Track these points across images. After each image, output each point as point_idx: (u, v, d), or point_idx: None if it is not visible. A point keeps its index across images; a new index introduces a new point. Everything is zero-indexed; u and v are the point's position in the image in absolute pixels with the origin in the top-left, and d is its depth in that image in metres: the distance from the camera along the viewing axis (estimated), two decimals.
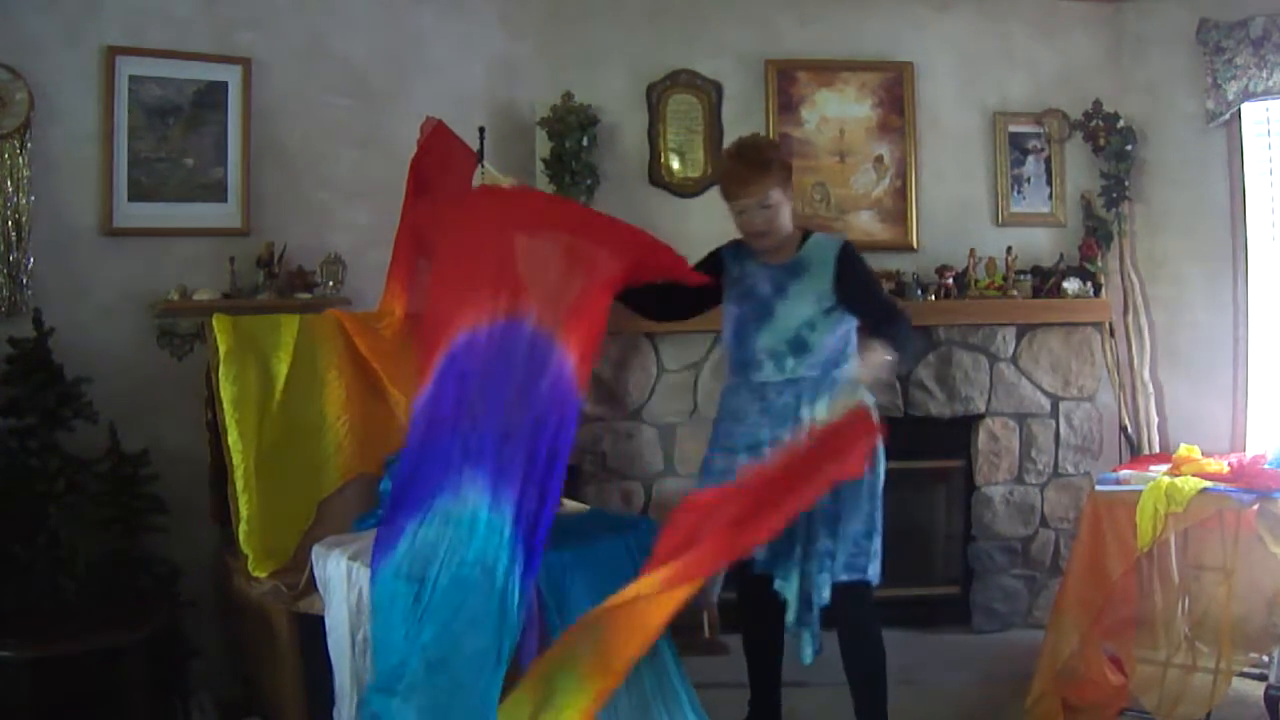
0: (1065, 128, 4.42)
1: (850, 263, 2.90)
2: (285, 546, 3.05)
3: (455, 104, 3.82)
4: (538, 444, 2.54)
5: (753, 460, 2.78)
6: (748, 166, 2.83)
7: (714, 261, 3.00)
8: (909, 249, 4.32)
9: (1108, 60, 4.46)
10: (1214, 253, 4.25)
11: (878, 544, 2.84)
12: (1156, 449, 4.25)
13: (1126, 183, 4.37)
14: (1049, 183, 4.45)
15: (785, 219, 2.88)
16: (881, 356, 2.73)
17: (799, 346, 2.84)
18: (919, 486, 4.36)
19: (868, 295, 2.93)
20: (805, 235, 2.95)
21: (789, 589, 2.81)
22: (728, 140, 4.24)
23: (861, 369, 2.79)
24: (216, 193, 3.64)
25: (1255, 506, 3.21)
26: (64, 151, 3.41)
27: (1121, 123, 4.36)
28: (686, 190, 4.27)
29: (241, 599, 3.07)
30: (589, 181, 4.07)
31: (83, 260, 3.44)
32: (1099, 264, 4.31)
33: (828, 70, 4.31)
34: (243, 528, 2.99)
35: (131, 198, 3.50)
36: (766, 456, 2.76)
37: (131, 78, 3.48)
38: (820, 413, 2.76)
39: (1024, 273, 4.27)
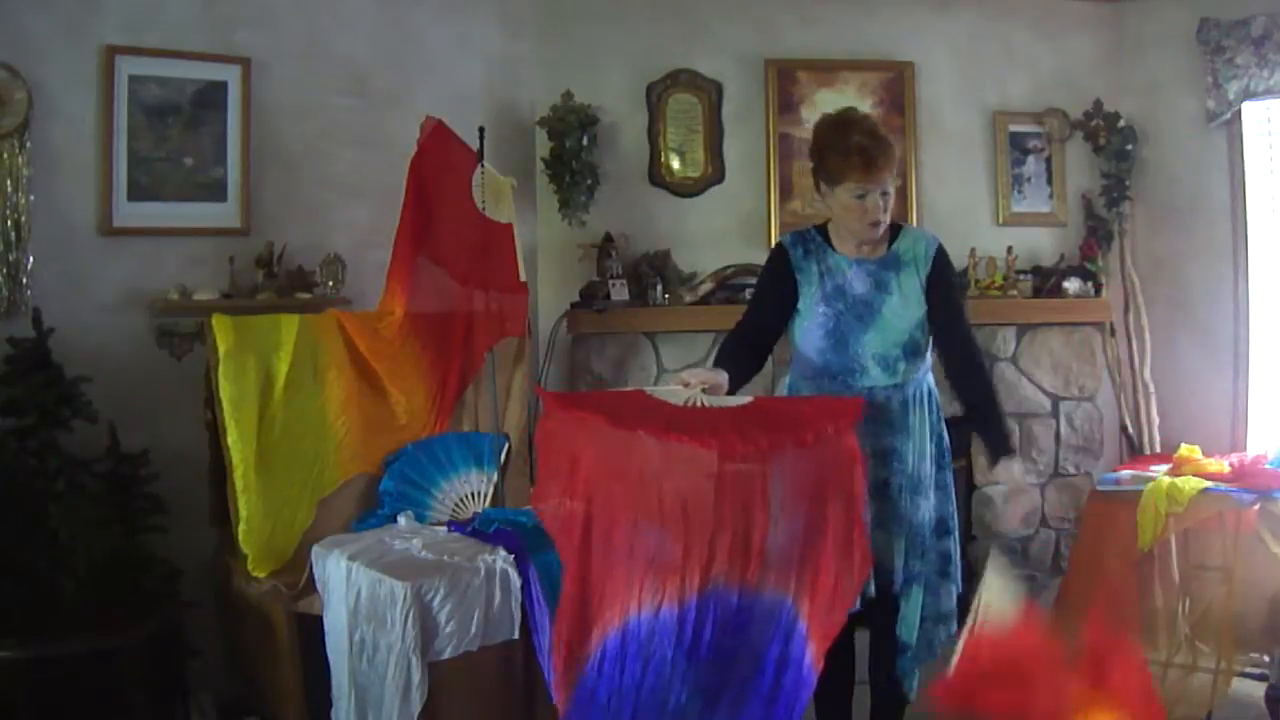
0: (1065, 127, 4.43)
1: (944, 267, 2.63)
2: (285, 546, 3.06)
3: (455, 104, 3.82)
4: None
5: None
6: (879, 145, 2.49)
7: (781, 270, 2.64)
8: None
9: (1108, 60, 4.47)
10: (1214, 253, 4.25)
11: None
12: (1157, 449, 4.25)
13: (1127, 182, 4.37)
14: (1049, 182, 4.45)
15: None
16: (1014, 469, 2.54)
17: (913, 349, 2.58)
18: None
19: (953, 313, 2.63)
20: (895, 227, 2.66)
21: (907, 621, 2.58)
22: (729, 140, 4.28)
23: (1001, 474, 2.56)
24: (216, 192, 3.63)
25: (1256, 506, 3.21)
26: (63, 151, 3.40)
27: (1122, 122, 4.36)
28: (686, 190, 4.27)
29: (241, 599, 3.06)
30: (589, 181, 4.07)
31: (82, 260, 3.43)
32: (1099, 264, 4.31)
33: (828, 70, 4.31)
34: (242, 528, 2.99)
35: (131, 197, 3.49)
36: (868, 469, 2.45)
37: (131, 77, 3.47)
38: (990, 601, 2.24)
39: (1024, 272, 4.27)
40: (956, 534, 2.66)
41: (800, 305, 2.62)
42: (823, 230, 2.69)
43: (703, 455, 2.09)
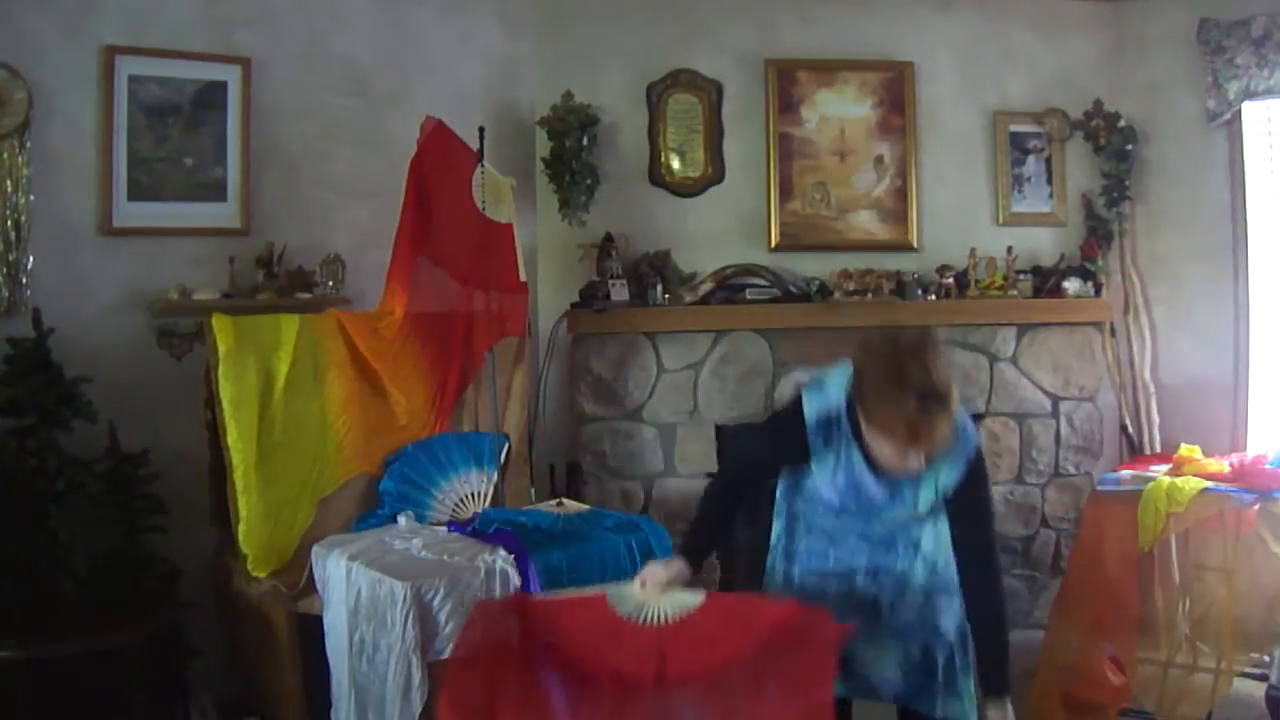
0: (1066, 127, 4.42)
1: (977, 478, 2.31)
2: (285, 546, 3.06)
3: (455, 104, 3.82)
4: None
5: (842, 588, 2.40)
6: (933, 419, 2.10)
7: (795, 445, 2.35)
8: (909, 248, 4.32)
9: (1108, 60, 4.46)
10: (1214, 253, 4.25)
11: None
12: (1157, 449, 4.25)
13: (1127, 182, 4.37)
14: (1049, 182, 4.45)
15: None
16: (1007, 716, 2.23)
17: (909, 529, 2.42)
18: None
19: (976, 520, 2.35)
20: None
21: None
22: (729, 140, 4.28)
23: None
24: (216, 192, 3.63)
25: (1256, 506, 3.20)
26: (63, 151, 3.41)
27: (1122, 122, 4.36)
28: (686, 190, 4.27)
29: (241, 599, 3.06)
30: (589, 181, 4.07)
31: (82, 260, 3.43)
32: (1100, 264, 4.31)
33: (828, 70, 4.31)
34: (242, 528, 2.99)
35: (131, 197, 3.49)
36: (859, 585, 2.39)
37: (131, 77, 3.48)
38: None
39: (1024, 272, 4.27)
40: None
41: (815, 468, 2.37)
42: (853, 408, 2.24)
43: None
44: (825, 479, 2.35)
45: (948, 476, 2.27)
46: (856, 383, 2.21)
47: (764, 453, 2.49)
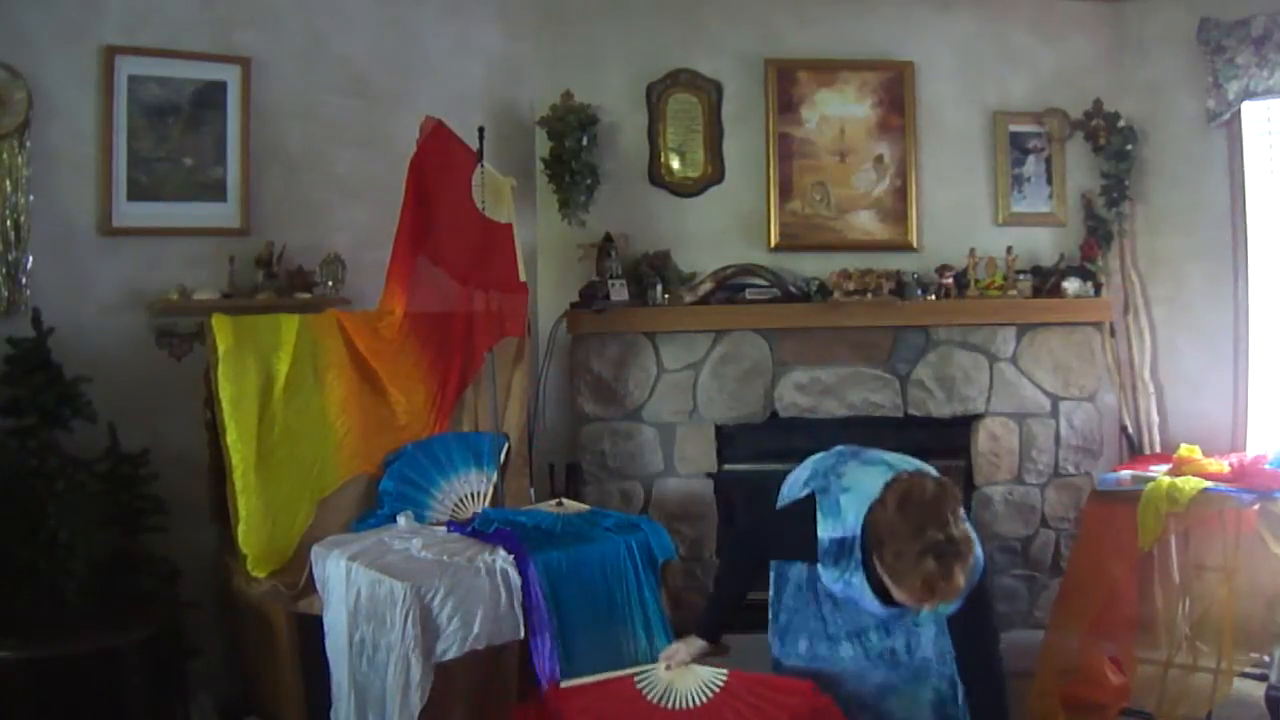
0: (1066, 127, 4.42)
1: (980, 602, 2.30)
2: (284, 546, 3.06)
3: (455, 104, 3.82)
4: None
5: (855, 647, 2.46)
6: (950, 578, 2.10)
7: (802, 552, 2.41)
8: (909, 248, 4.32)
9: (1108, 60, 4.46)
10: (1214, 253, 4.25)
11: None
12: (1157, 449, 4.25)
13: (1127, 182, 4.37)
14: (1049, 182, 4.45)
15: None
16: None
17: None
18: None
19: (980, 633, 2.37)
20: None
21: None
22: (729, 140, 4.28)
23: None
24: (216, 192, 3.63)
25: (1256, 506, 3.21)
26: (63, 151, 3.40)
27: (1122, 122, 4.36)
28: (686, 190, 4.27)
29: (241, 599, 3.06)
30: (589, 181, 4.07)
31: (82, 260, 3.43)
32: (1099, 264, 4.31)
33: (828, 70, 4.31)
34: (241, 528, 3.00)
35: (131, 197, 3.49)
36: (872, 641, 2.45)
37: (131, 77, 3.47)
38: None
39: (1024, 272, 4.27)
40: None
41: (819, 568, 2.43)
42: (868, 542, 2.24)
43: None
44: (829, 579, 2.40)
45: (947, 607, 2.25)
46: (873, 535, 2.20)
47: (774, 547, 2.56)
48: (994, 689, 2.34)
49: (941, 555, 2.08)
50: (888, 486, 2.22)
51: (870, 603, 2.31)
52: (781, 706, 2.36)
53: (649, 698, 2.46)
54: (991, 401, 4.24)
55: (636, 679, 2.50)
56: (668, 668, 2.52)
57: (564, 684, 2.51)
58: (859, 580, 2.29)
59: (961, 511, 2.18)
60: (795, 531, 2.38)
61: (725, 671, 2.50)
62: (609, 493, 4.05)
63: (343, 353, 3.30)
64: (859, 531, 2.25)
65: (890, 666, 2.46)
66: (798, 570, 2.57)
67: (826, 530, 2.30)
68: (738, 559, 2.67)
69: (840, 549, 2.29)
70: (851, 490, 2.32)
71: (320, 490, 3.19)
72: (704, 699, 2.44)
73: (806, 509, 2.36)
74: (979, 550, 2.25)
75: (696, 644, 2.55)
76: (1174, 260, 4.37)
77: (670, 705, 2.44)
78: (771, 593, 2.65)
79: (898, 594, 2.17)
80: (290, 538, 3.08)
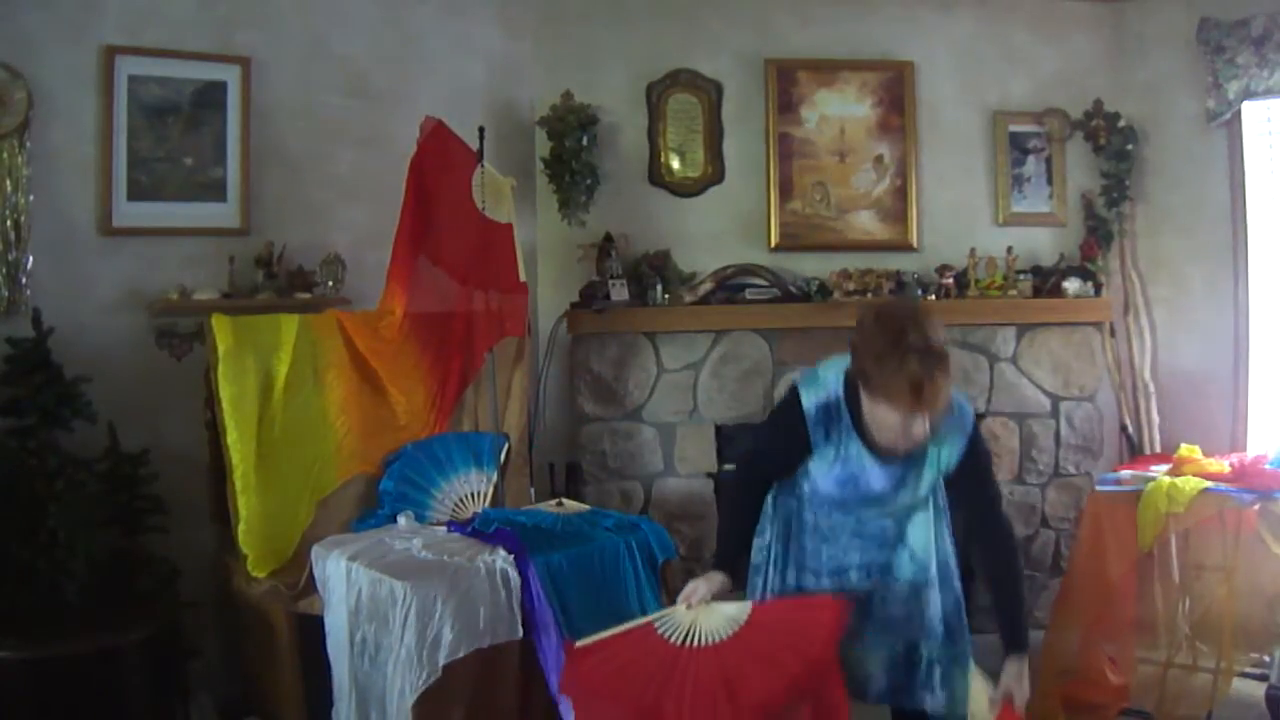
0: (1066, 127, 4.42)
1: (974, 455, 2.35)
2: (285, 546, 3.06)
3: (455, 103, 3.82)
4: None
5: (834, 587, 2.42)
6: (934, 371, 2.13)
7: (796, 439, 2.37)
8: (909, 248, 4.32)
9: (1108, 60, 4.46)
10: (1214, 253, 4.25)
11: None
12: (1157, 449, 4.25)
13: (1127, 182, 4.37)
14: (1049, 182, 4.45)
15: None
16: (1023, 688, 2.25)
17: (911, 510, 2.46)
18: None
19: (983, 492, 2.41)
20: None
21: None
22: (729, 140, 4.28)
23: (1003, 693, 2.26)
24: (216, 192, 3.63)
25: (1256, 506, 3.20)
26: (63, 151, 3.40)
27: (1122, 122, 4.36)
28: (686, 190, 4.27)
29: (241, 599, 3.06)
30: (589, 181, 4.07)
31: (82, 260, 3.43)
32: (1100, 264, 4.31)
33: (828, 70, 4.31)
34: (241, 527, 3.00)
35: (131, 197, 3.49)
36: (853, 582, 2.41)
37: (131, 77, 3.47)
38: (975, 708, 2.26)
39: (1024, 272, 4.27)
40: (962, 604, 2.52)
41: (814, 459, 2.39)
42: (852, 400, 2.30)
43: None
44: (824, 473, 2.37)
45: (950, 454, 2.31)
46: (856, 359, 2.24)
47: (769, 451, 2.50)
48: (1009, 544, 2.39)
49: (924, 357, 2.12)
50: (862, 316, 2.28)
51: (871, 470, 2.31)
52: (814, 624, 2.26)
53: (672, 641, 2.29)
54: (992, 401, 4.24)
55: (657, 624, 2.33)
56: (688, 607, 2.33)
57: (579, 643, 2.35)
58: (855, 447, 2.30)
59: (938, 323, 2.21)
60: (783, 421, 2.39)
61: (749, 604, 2.36)
62: (609, 493, 4.05)
63: (343, 353, 3.29)
64: (841, 391, 2.30)
65: (860, 615, 2.39)
66: (786, 505, 2.52)
67: (810, 399, 2.33)
68: (741, 480, 2.58)
69: (828, 415, 2.31)
70: (828, 363, 2.38)
71: (320, 490, 3.19)
72: (729, 634, 2.28)
73: (791, 397, 2.39)
74: (965, 400, 2.33)
75: (716, 579, 2.37)
76: (1174, 260, 4.37)
77: (695, 644, 2.28)
78: (755, 544, 2.57)
79: (887, 416, 2.18)
80: (290, 538, 3.08)
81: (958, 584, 2.49)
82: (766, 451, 2.52)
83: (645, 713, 2.17)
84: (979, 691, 2.30)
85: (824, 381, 2.34)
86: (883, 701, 2.46)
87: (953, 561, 2.50)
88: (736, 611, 2.32)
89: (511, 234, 3.70)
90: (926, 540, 2.45)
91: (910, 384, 2.11)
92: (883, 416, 2.20)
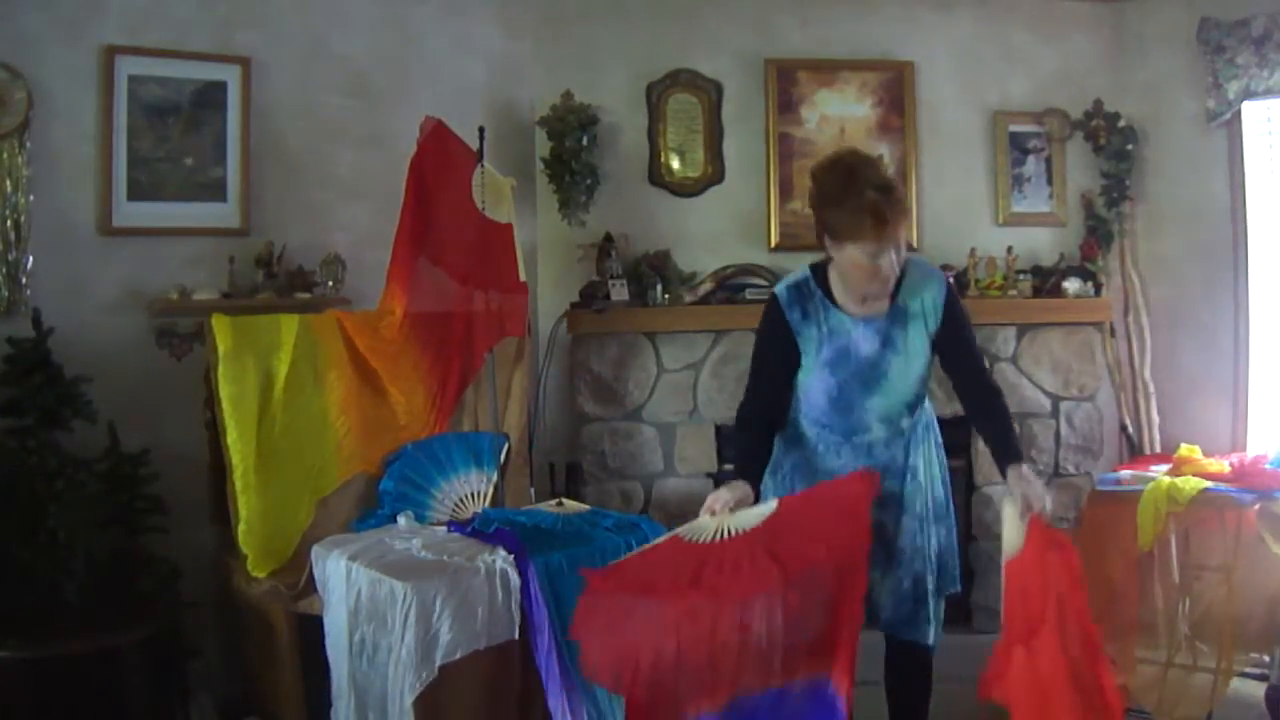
0: (1066, 127, 4.42)
1: (955, 310, 2.49)
2: (284, 546, 3.06)
3: (455, 103, 3.82)
4: None
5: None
6: (891, 200, 2.30)
7: (780, 333, 2.50)
8: (909, 248, 4.31)
9: (1108, 60, 4.46)
10: (1214, 253, 4.25)
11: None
12: (1157, 449, 4.25)
13: (1127, 182, 4.37)
14: (1049, 182, 4.45)
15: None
16: (1034, 486, 2.28)
17: (916, 403, 2.54)
18: None
19: (970, 350, 2.55)
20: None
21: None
22: (729, 140, 4.28)
23: (1023, 501, 2.28)
24: (216, 192, 3.63)
25: (1256, 506, 3.21)
26: (63, 151, 3.40)
27: (1122, 122, 4.36)
28: (686, 190, 4.27)
29: (241, 599, 3.07)
30: (589, 181, 4.07)
31: (82, 260, 3.43)
32: (1100, 264, 4.31)
33: (828, 70, 4.31)
34: (241, 527, 3.00)
35: (131, 197, 3.49)
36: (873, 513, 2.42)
37: (131, 77, 3.47)
38: (1009, 546, 2.30)
39: (1024, 272, 4.27)
40: (955, 533, 2.64)
41: (803, 363, 2.51)
42: (822, 279, 2.49)
43: (726, 612, 2.14)
44: (813, 366, 2.48)
45: (929, 305, 2.45)
46: (817, 211, 2.41)
47: (761, 368, 2.58)
48: (997, 395, 2.55)
49: (878, 189, 2.28)
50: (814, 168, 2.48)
51: (855, 332, 2.44)
52: (847, 495, 2.29)
53: (701, 542, 2.29)
54: None
55: (682, 535, 2.32)
56: (712, 513, 2.32)
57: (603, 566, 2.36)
58: (834, 315, 2.45)
59: (884, 165, 2.44)
60: (765, 325, 2.54)
61: (775, 500, 2.36)
62: (609, 493, 4.05)
63: (343, 353, 3.30)
64: (810, 274, 2.50)
65: (876, 543, 2.44)
66: (792, 451, 2.59)
67: (782, 289, 2.51)
68: (742, 417, 2.59)
69: (800, 293, 2.48)
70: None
71: (320, 490, 3.19)
72: (760, 524, 2.29)
73: (767, 302, 2.55)
74: (939, 271, 2.57)
75: (739, 486, 2.38)
76: (1174, 260, 4.37)
77: (725, 537, 2.28)
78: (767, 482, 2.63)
79: (854, 255, 2.31)
80: (290, 538, 3.08)
81: (953, 520, 2.61)
82: (759, 369, 2.59)
83: (680, 591, 2.17)
84: (1009, 516, 2.31)
85: (791, 275, 2.55)
86: (888, 630, 2.55)
87: (950, 502, 2.62)
88: (763, 509, 2.33)
89: (511, 234, 3.70)
90: (931, 472, 2.55)
91: (871, 214, 2.27)
92: (851, 262, 2.34)
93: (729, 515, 2.32)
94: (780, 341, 2.49)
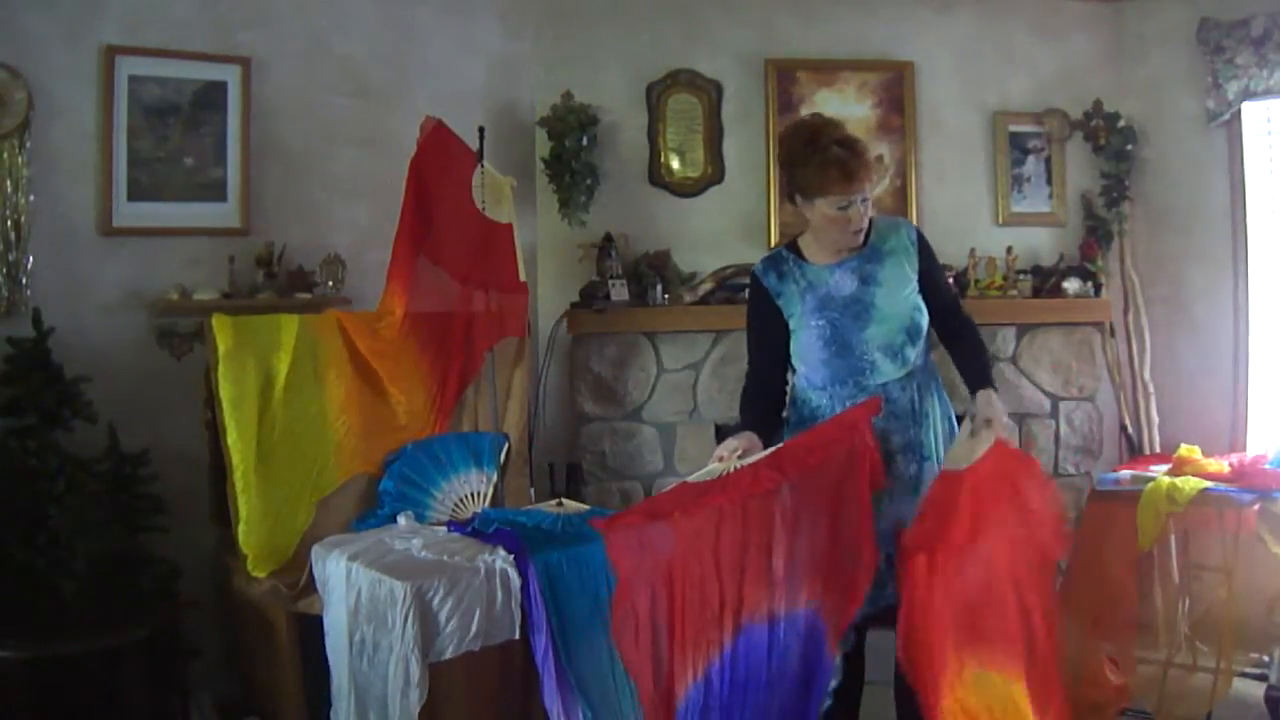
0: (1065, 127, 4.42)
1: (927, 246, 2.67)
2: (284, 546, 3.06)
3: (455, 103, 3.82)
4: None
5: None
6: (855, 153, 2.45)
7: (762, 303, 2.64)
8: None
9: (1108, 60, 4.46)
10: (1213, 253, 4.25)
11: None
12: (1157, 449, 4.25)
13: (1127, 182, 4.37)
14: (1049, 182, 4.45)
15: None
16: (1001, 411, 2.45)
17: (914, 331, 2.58)
18: None
19: (945, 286, 2.76)
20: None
21: None
22: (729, 140, 4.28)
23: (987, 421, 2.43)
24: (216, 192, 3.63)
25: (1255, 507, 3.21)
26: (63, 151, 3.40)
27: (1122, 122, 4.36)
28: (686, 190, 4.27)
29: (241, 599, 3.07)
30: (589, 181, 4.07)
31: (82, 260, 3.43)
32: (1099, 264, 4.31)
33: (828, 70, 4.31)
34: (242, 528, 3.00)
35: (131, 197, 3.49)
36: (900, 466, 2.53)
37: (131, 77, 3.47)
38: (956, 458, 2.42)
39: (1024, 272, 4.27)
40: None
41: (792, 325, 2.60)
42: (793, 247, 2.67)
43: (727, 507, 2.26)
44: (801, 318, 2.57)
45: (904, 240, 2.60)
46: (786, 173, 2.55)
47: (755, 346, 2.70)
48: (972, 328, 2.71)
49: (842, 143, 2.43)
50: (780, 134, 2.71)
51: (833, 277, 2.57)
52: (842, 420, 2.41)
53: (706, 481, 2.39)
54: None
55: (691, 479, 2.44)
56: (720, 459, 2.40)
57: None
58: (810, 269, 2.60)
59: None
60: (751, 304, 2.68)
61: (781, 444, 2.45)
62: (609, 493, 4.05)
63: (343, 353, 3.30)
64: (784, 249, 2.66)
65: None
66: (799, 412, 2.66)
67: (760, 265, 2.67)
68: (751, 374, 2.71)
69: (775, 262, 2.64)
70: None
71: (320, 490, 3.19)
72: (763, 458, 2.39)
73: (749, 280, 2.69)
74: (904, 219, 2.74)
75: (748, 435, 2.49)
76: (1173, 260, 4.37)
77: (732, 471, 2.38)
78: None
79: (827, 207, 2.46)
80: (290, 538, 3.08)
81: None
82: (753, 345, 2.71)
83: (686, 510, 2.29)
84: (963, 431, 2.47)
85: (768, 254, 2.71)
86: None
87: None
88: (770, 451, 2.42)
89: (511, 234, 3.70)
90: (945, 413, 2.64)
91: (838, 167, 2.41)
92: (823, 215, 2.48)
93: (737, 461, 2.41)
94: (765, 310, 2.62)
